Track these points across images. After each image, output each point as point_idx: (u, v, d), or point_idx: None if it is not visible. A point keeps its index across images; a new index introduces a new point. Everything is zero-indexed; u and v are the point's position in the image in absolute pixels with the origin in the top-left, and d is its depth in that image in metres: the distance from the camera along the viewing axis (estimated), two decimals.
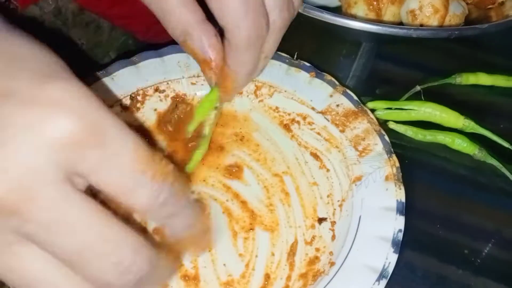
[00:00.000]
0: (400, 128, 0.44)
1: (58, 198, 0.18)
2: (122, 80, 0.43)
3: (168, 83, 0.43)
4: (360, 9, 0.47)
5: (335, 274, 0.33)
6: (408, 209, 0.36)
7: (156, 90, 0.43)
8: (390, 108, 0.44)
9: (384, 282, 0.32)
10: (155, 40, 0.75)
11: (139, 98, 0.43)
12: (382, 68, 0.51)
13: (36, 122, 0.18)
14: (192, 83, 0.44)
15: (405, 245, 0.35)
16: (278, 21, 0.32)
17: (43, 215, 0.18)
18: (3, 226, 0.18)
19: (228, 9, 0.29)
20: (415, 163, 0.42)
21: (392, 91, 0.46)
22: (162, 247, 0.24)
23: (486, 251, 0.39)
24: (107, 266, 0.19)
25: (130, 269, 0.20)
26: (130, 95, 0.42)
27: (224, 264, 0.36)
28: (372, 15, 0.47)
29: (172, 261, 0.25)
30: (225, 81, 0.34)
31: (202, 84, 0.44)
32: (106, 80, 0.42)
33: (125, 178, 0.20)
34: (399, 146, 0.42)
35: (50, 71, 0.19)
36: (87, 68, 0.68)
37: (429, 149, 0.44)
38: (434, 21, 0.46)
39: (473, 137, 0.43)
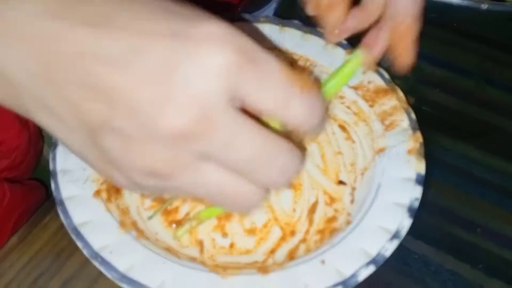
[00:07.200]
0: None
1: (230, 122, 0.21)
2: None
3: None
4: None
5: (350, 232, 0.36)
6: (430, 207, 0.37)
7: None
8: None
9: (396, 242, 0.34)
10: None
11: None
12: None
13: (201, 55, 0.21)
14: None
15: (422, 239, 0.36)
16: None
17: (222, 138, 0.21)
18: (188, 150, 0.21)
19: None
20: (442, 163, 0.44)
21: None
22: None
23: (502, 255, 0.40)
24: (272, 171, 0.23)
25: (289, 169, 0.24)
26: None
27: None
28: None
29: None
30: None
31: None
32: None
33: (279, 92, 0.22)
34: (427, 146, 0.40)
35: (196, 15, 0.22)
36: None
37: (457, 149, 0.45)
38: None
39: None
